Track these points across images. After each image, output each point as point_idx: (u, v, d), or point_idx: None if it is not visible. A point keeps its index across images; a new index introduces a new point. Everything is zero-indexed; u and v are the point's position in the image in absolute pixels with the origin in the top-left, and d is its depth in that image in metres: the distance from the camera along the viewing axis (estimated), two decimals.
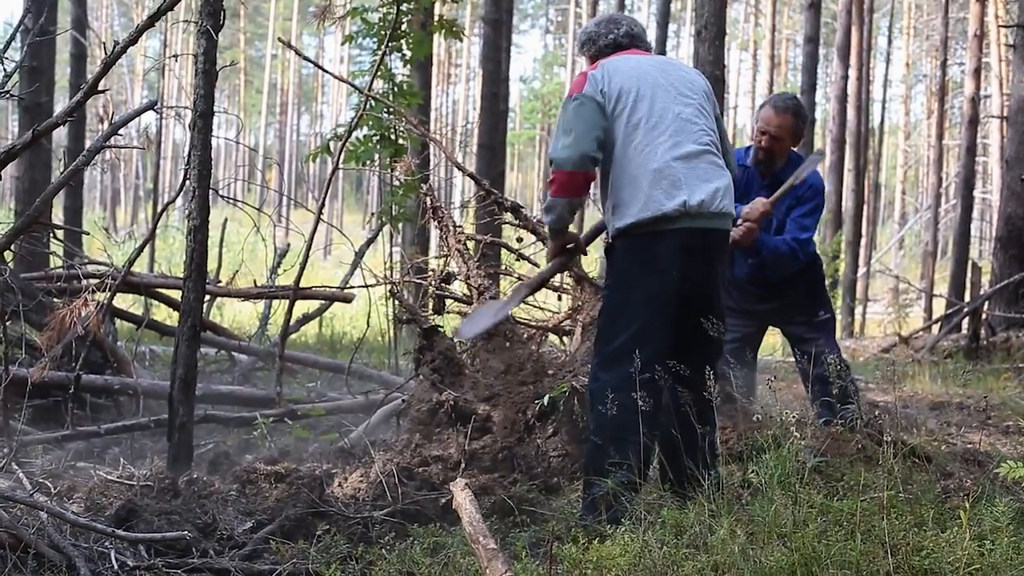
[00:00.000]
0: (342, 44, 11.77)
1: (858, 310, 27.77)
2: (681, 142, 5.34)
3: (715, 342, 5.39)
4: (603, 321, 5.48)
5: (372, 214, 12.75)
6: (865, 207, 31.22)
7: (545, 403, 6.24)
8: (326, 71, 9.98)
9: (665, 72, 5.57)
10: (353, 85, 9.80)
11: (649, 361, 5.08)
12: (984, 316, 15.99)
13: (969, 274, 19.00)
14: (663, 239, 5.27)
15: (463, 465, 5.94)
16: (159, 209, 8.16)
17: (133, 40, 5.80)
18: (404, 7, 10.15)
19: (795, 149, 7.27)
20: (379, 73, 9.91)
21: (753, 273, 7.19)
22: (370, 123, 10.38)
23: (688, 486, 5.17)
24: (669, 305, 5.30)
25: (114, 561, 4.53)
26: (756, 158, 7.15)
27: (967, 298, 18.67)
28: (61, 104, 7.20)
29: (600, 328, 5.50)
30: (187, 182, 6.19)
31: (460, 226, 7.29)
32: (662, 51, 23.18)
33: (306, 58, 9.86)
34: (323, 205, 8.42)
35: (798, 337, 7.22)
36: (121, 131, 6.58)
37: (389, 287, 8.32)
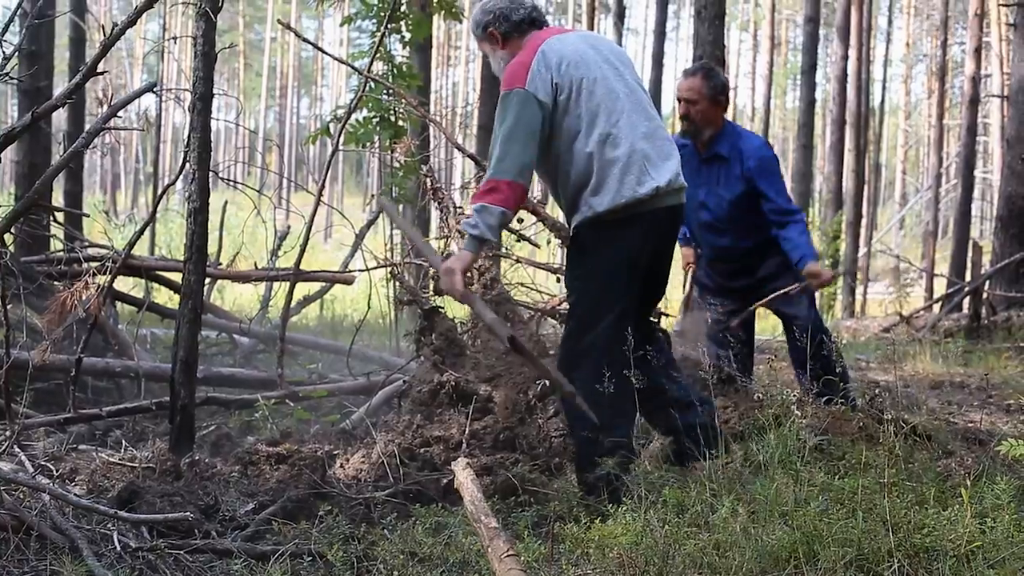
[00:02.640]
0: (341, 25, 11.78)
1: (859, 290, 27.74)
2: (637, 122, 5.32)
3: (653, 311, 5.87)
4: (582, 309, 5.42)
5: (372, 196, 12.73)
6: (865, 187, 31.15)
7: (546, 384, 6.25)
8: (325, 52, 9.97)
9: (597, 48, 5.48)
10: (352, 66, 9.78)
11: (631, 340, 5.12)
12: (985, 295, 15.99)
13: (970, 254, 18.97)
14: (638, 223, 5.29)
15: (465, 446, 5.95)
16: (159, 192, 8.15)
17: (132, 22, 5.79)
18: None
19: (729, 120, 7.29)
20: (379, 55, 9.90)
21: (721, 255, 7.23)
22: (370, 105, 10.38)
23: (689, 464, 5.22)
24: (639, 284, 5.40)
25: (116, 543, 4.54)
26: (683, 128, 7.18)
27: (968, 278, 18.65)
28: (60, 88, 7.21)
29: (579, 317, 5.42)
30: (187, 164, 6.18)
31: (460, 207, 7.29)
32: (662, 32, 23.12)
33: (305, 39, 9.84)
34: (323, 187, 8.41)
35: (779, 312, 7.25)
36: (120, 114, 6.57)
37: (390, 269, 8.31)
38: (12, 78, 6.10)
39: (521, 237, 7.86)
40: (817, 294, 7.35)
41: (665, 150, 5.39)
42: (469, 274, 6.40)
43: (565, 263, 5.77)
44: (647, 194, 5.21)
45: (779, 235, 7.08)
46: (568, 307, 5.68)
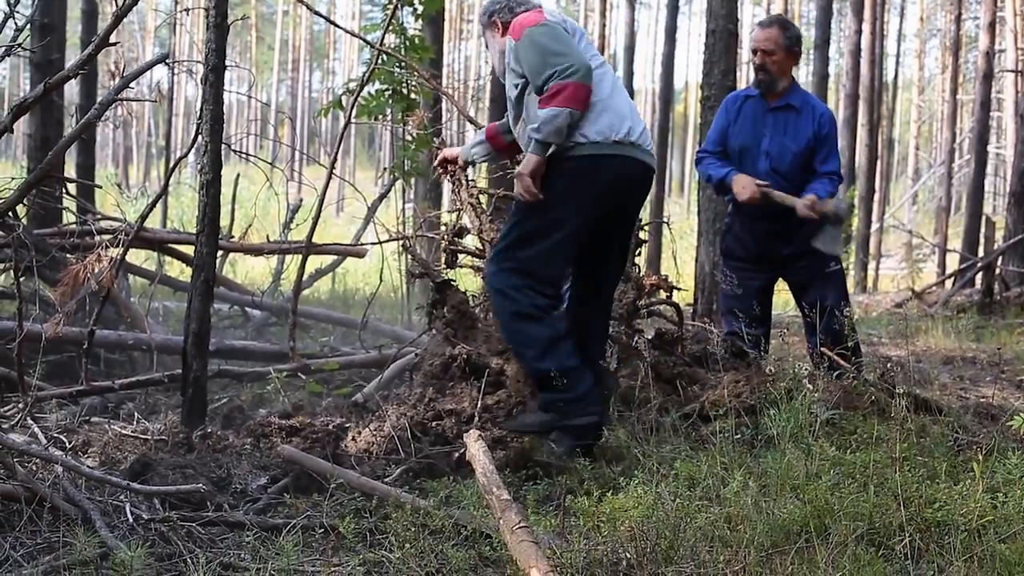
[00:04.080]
0: None
1: (871, 265, 27.68)
2: (618, 84, 5.81)
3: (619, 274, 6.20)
4: (529, 227, 5.66)
5: (384, 169, 12.72)
6: (878, 162, 31.09)
7: None
8: (336, 25, 9.95)
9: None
10: (365, 39, 9.75)
11: (555, 277, 5.74)
12: (998, 271, 15.97)
13: (983, 229, 18.94)
14: (608, 164, 5.60)
15: (477, 419, 5.94)
16: (171, 165, 8.14)
17: None
18: None
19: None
20: (391, 28, 9.87)
21: (766, 212, 7.16)
22: (382, 78, 10.35)
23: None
24: (588, 230, 5.72)
25: (129, 514, 4.55)
26: (757, 80, 7.26)
27: (981, 253, 18.62)
28: (72, 61, 7.23)
29: (522, 230, 5.69)
30: (199, 137, 6.18)
31: (472, 180, 7.27)
32: (675, 5, 23.06)
33: (316, 12, 9.82)
34: (335, 160, 8.39)
35: (806, 288, 7.19)
36: (132, 86, 6.57)
37: (402, 242, 8.30)
38: (25, 49, 6.09)
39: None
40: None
41: (640, 116, 5.84)
42: (481, 245, 6.60)
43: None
44: (623, 138, 5.58)
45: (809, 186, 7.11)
46: (513, 216, 5.85)
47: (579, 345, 5.72)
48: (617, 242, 5.96)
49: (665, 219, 10.47)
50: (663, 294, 7.62)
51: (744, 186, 6.96)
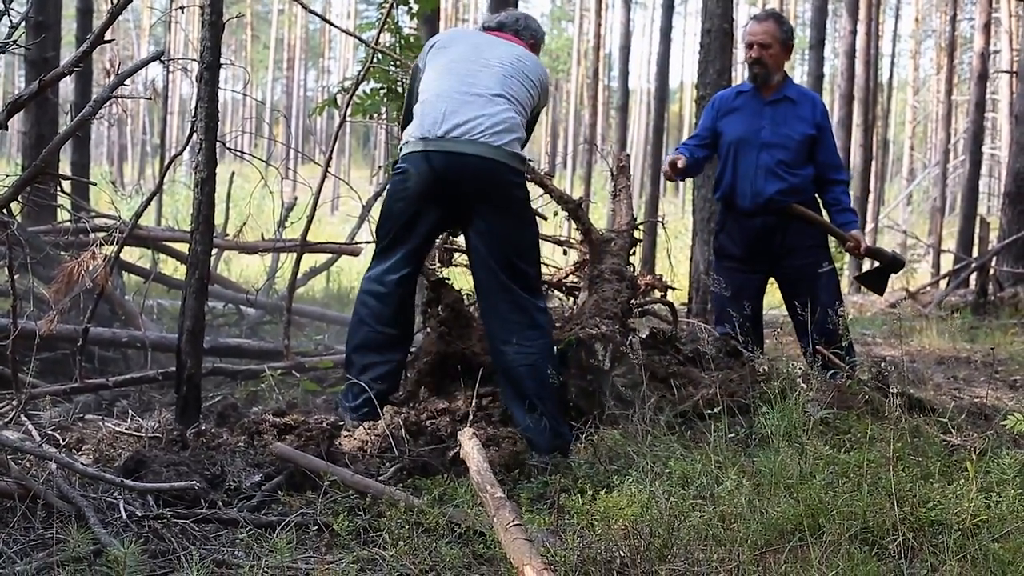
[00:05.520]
0: None
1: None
2: (454, 76, 6.21)
3: None
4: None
5: (379, 168, 12.71)
6: (873, 163, 31.06)
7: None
8: (332, 24, 9.94)
9: None
10: (360, 38, 9.76)
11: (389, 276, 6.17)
12: (992, 272, 16.01)
13: (977, 230, 18.97)
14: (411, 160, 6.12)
15: (471, 417, 5.95)
16: (166, 163, 8.14)
17: None
18: None
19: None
20: (386, 26, 9.86)
21: (762, 207, 7.19)
22: (377, 76, 10.35)
23: None
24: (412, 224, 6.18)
25: (123, 511, 4.55)
26: (752, 73, 7.33)
27: (975, 254, 18.64)
28: (67, 59, 7.22)
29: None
30: (194, 135, 6.17)
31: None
32: (670, 5, 23.06)
33: (311, 11, 9.81)
34: (330, 159, 8.40)
35: (799, 287, 7.20)
36: (127, 83, 6.56)
37: None
38: (19, 46, 6.09)
39: None
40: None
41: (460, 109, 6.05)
42: None
43: None
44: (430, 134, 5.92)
45: (827, 195, 7.26)
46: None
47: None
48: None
49: (660, 218, 10.45)
50: (657, 293, 7.64)
51: (670, 159, 7.21)
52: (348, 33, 9.88)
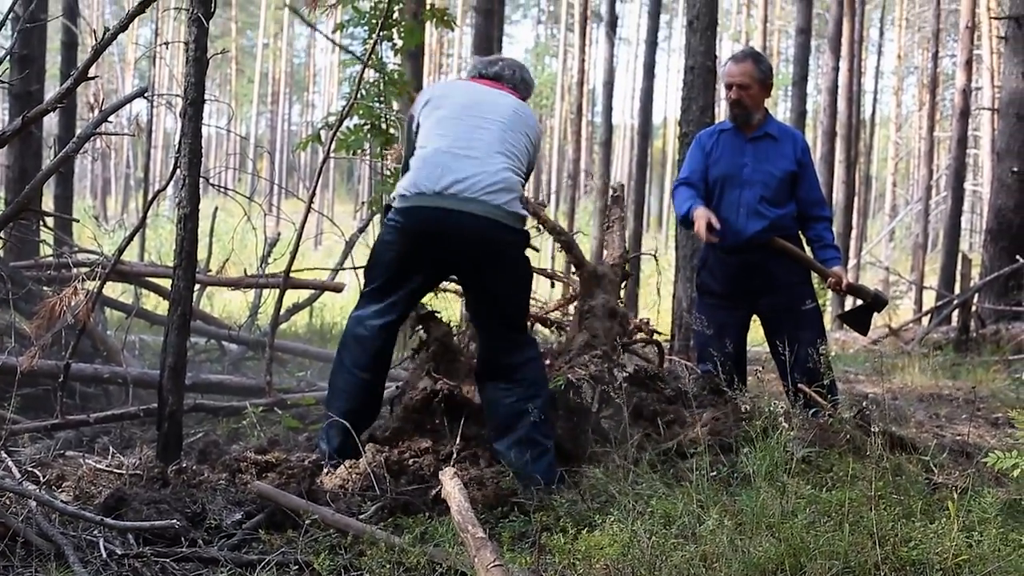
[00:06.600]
0: (333, 32, 11.75)
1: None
2: (449, 132, 6.21)
3: None
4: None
5: (363, 203, 12.72)
6: (856, 199, 31.24)
7: None
8: (334, 43, 9.96)
9: None
10: (357, 57, 9.76)
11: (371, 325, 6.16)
12: (974, 308, 16.02)
13: (959, 266, 18.97)
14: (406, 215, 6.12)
15: (455, 457, 5.93)
16: (149, 197, 8.13)
17: (124, 26, 5.78)
18: None
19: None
20: (370, 62, 9.89)
21: (745, 244, 7.19)
22: (361, 112, 10.37)
23: None
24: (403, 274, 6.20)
25: (103, 549, 4.53)
26: (733, 114, 7.31)
27: (957, 290, 18.66)
28: (52, 92, 7.21)
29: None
30: (177, 170, 6.17)
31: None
32: (653, 41, 23.14)
33: (311, 25, 9.84)
34: (314, 194, 8.41)
35: (781, 325, 7.19)
36: (112, 118, 6.56)
37: None
38: (3, 82, 6.09)
39: None
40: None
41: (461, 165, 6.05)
42: None
43: None
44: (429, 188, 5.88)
45: (810, 231, 7.27)
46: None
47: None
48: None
49: (653, 252, 10.46)
50: (642, 334, 7.64)
51: (700, 218, 6.99)
52: (343, 48, 9.87)
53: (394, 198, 6.00)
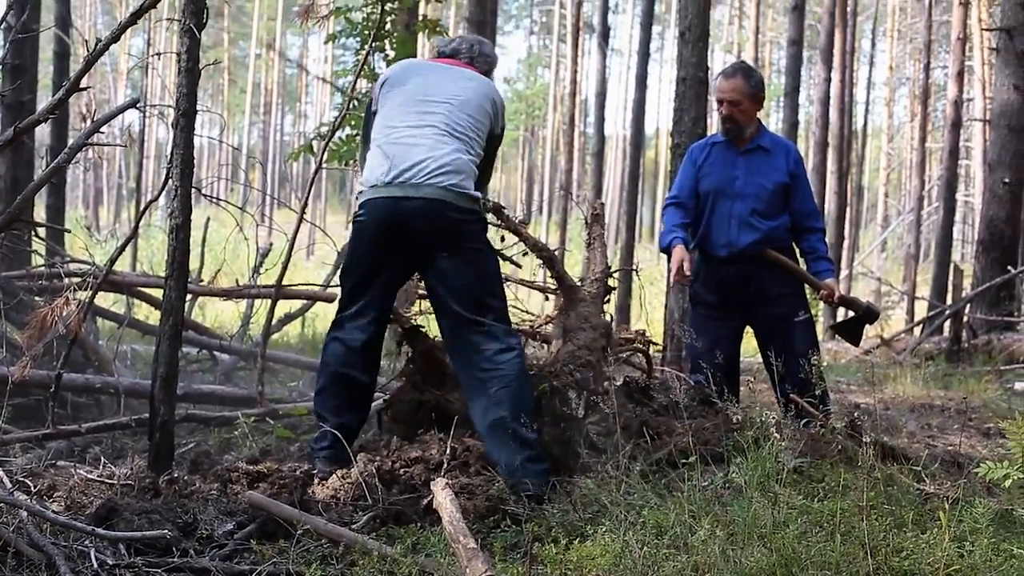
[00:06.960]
0: (325, 43, 11.75)
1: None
2: (405, 121, 6.33)
3: None
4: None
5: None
6: (848, 210, 31.25)
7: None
8: (307, 71, 9.97)
9: None
10: (335, 85, 9.78)
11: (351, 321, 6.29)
12: (966, 319, 16.06)
13: (951, 277, 19.04)
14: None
15: (445, 466, 5.93)
16: (141, 208, 8.13)
17: (116, 37, 5.78)
18: (388, 7, 10.14)
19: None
20: (363, 73, 9.89)
21: (738, 256, 7.20)
22: (353, 123, 10.38)
23: None
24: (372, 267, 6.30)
25: (94, 560, 4.52)
26: (724, 129, 7.34)
27: (949, 301, 18.73)
28: (44, 102, 7.17)
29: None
30: (169, 180, 6.16)
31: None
32: (645, 52, 23.16)
33: (289, 59, 9.85)
34: (306, 204, 8.40)
35: (774, 335, 7.19)
36: (104, 129, 6.56)
37: None
38: None
39: (502, 257, 7.84)
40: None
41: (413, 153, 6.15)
42: None
43: None
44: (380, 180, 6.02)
45: (803, 243, 7.33)
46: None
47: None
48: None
49: (634, 267, 10.47)
50: (637, 344, 7.64)
51: (674, 260, 7.04)
52: (324, 80, 9.89)
53: (357, 196, 6.20)
